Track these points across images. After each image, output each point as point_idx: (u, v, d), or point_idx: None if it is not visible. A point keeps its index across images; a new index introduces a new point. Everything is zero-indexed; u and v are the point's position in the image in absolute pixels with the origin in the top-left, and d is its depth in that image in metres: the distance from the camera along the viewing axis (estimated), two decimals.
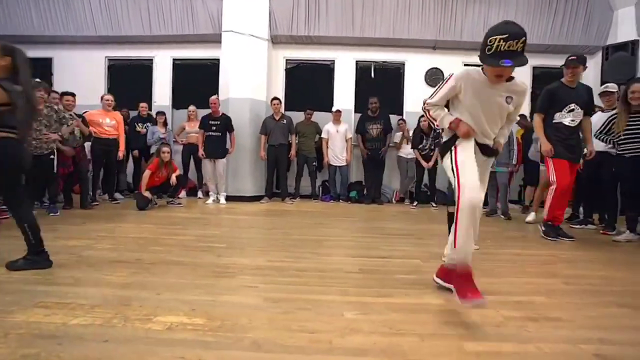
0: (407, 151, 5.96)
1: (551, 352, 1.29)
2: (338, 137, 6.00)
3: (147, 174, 4.73)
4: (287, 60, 6.66)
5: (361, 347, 1.30)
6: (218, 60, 6.14)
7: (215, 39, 6.08)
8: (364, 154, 6.01)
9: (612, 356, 1.27)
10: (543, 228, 3.44)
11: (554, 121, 3.32)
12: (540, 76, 6.38)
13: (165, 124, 6.04)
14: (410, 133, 5.86)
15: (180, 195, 5.38)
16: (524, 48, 1.45)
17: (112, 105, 5.10)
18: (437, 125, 1.63)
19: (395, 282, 2.04)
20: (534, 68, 6.35)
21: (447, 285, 1.79)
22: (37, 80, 3.91)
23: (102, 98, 5.14)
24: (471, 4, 6.03)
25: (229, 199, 5.56)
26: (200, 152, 5.50)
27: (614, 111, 3.66)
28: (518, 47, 1.42)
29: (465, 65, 6.26)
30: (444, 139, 1.76)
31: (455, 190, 1.57)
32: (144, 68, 6.76)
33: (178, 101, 6.72)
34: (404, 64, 6.59)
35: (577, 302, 1.80)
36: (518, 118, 2.65)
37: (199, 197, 5.95)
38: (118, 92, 5.50)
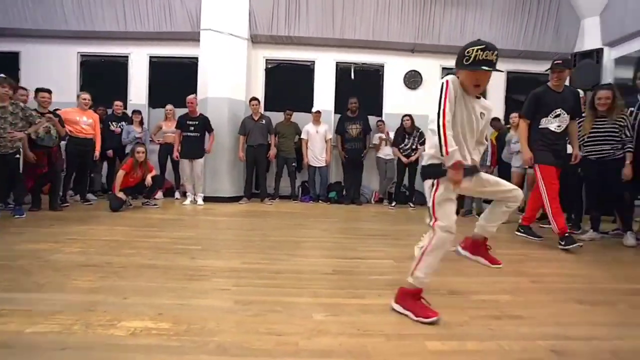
0: (386, 152, 6.04)
1: (510, 349, 1.33)
2: (318, 138, 6.01)
3: (120, 174, 4.60)
4: (266, 60, 6.61)
5: (327, 348, 1.30)
6: (196, 58, 6.04)
7: (193, 37, 5.98)
8: (342, 157, 6.06)
9: (567, 351, 1.32)
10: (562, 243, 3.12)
11: (540, 126, 3.26)
12: (513, 80, 6.63)
13: (141, 123, 5.88)
14: (391, 134, 5.94)
15: (156, 196, 5.25)
16: (496, 60, 1.53)
17: (89, 105, 4.93)
18: (444, 148, 1.49)
19: (369, 283, 2.06)
20: (508, 72, 6.55)
21: (473, 258, 1.88)
22: (2, 75, 3.74)
23: (78, 97, 4.94)
24: (449, 8, 6.16)
25: (206, 199, 5.48)
26: (175, 153, 5.40)
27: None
28: (493, 57, 1.51)
29: (444, 68, 6.43)
30: (431, 161, 1.64)
31: (430, 224, 1.60)
32: (119, 65, 6.57)
33: (155, 100, 6.57)
34: (383, 66, 6.66)
35: (540, 300, 1.87)
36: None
37: (176, 198, 5.84)
38: (92, 89, 5.31)
